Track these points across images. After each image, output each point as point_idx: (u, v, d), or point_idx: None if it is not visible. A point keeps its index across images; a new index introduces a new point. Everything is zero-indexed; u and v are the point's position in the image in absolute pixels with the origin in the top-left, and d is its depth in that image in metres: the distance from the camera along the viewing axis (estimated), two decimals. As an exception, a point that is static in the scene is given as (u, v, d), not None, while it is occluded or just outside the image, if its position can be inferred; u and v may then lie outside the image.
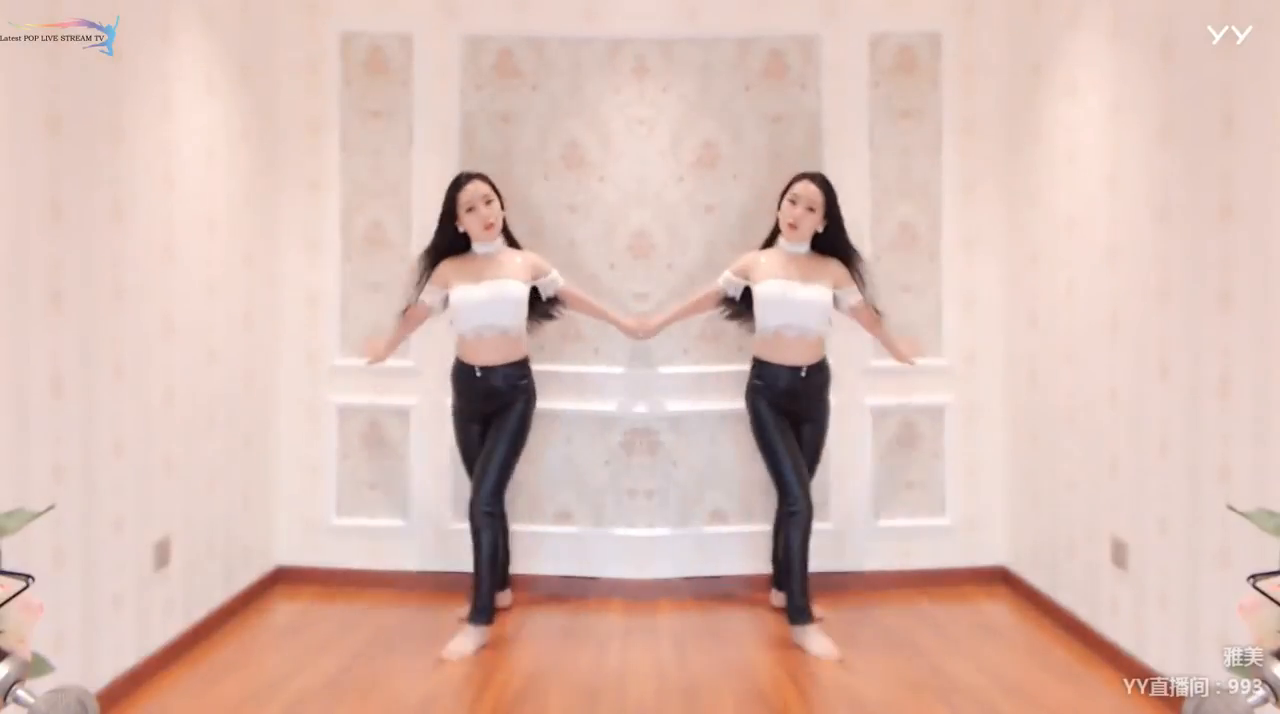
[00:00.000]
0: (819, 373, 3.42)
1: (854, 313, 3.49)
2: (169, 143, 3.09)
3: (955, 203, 3.98)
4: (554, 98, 3.95)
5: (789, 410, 3.41)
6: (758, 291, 3.38)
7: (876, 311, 3.54)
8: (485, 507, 3.28)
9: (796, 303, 3.32)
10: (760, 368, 3.43)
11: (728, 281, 3.49)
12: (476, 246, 3.40)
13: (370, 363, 3.57)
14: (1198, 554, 2.66)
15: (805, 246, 3.43)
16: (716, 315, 3.77)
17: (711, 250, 3.92)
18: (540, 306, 3.52)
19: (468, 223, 3.35)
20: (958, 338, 3.99)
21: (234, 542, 3.59)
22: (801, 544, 3.30)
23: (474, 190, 3.34)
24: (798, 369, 3.36)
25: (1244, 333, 2.46)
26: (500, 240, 3.45)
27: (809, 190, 3.36)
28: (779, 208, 3.45)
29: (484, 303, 3.30)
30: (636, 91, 3.95)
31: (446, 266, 3.40)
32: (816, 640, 3.25)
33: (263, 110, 3.81)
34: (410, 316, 3.51)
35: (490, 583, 3.30)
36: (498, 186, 3.44)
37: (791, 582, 3.31)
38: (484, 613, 3.28)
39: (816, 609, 3.42)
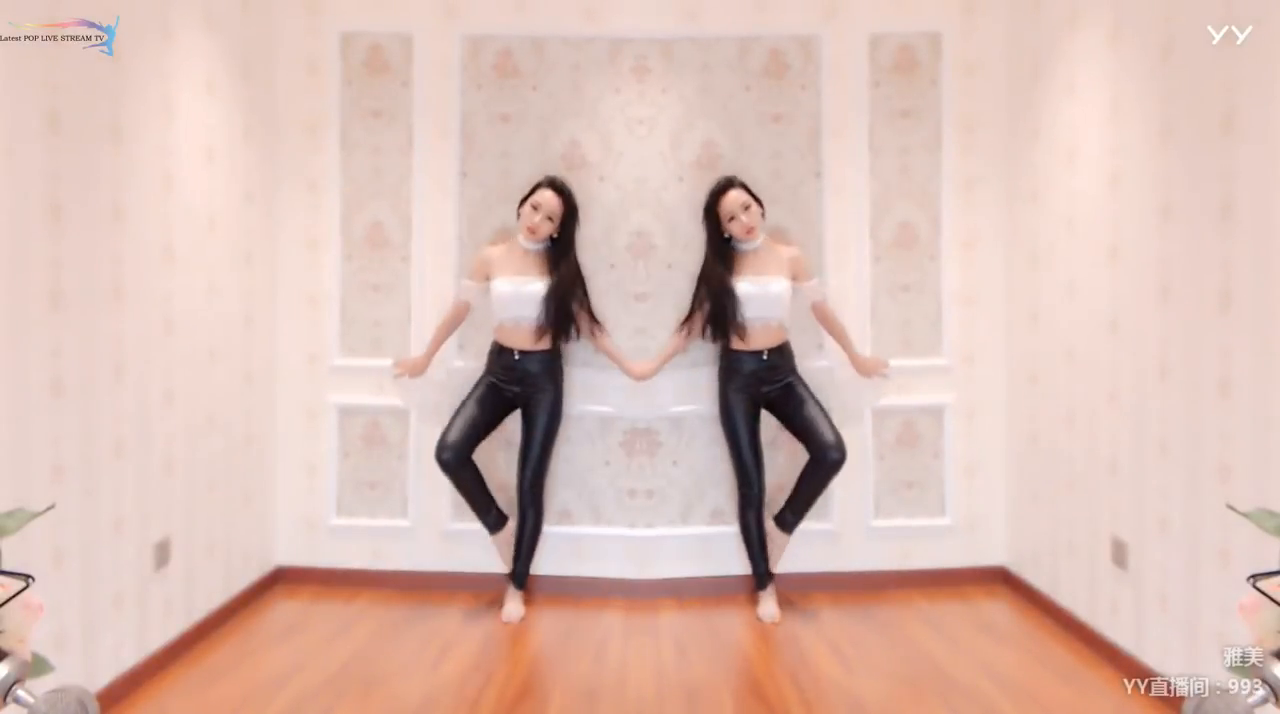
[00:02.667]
0: (779, 354, 3.63)
1: (815, 309, 3.69)
2: (169, 143, 3.09)
3: (955, 202, 3.98)
4: (554, 98, 3.95)
5: (757, 394, 3.63)
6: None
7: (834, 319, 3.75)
8: (529, 488, 3.66)
9: (759, 297, 3.56)
10: (728, 356, 3.67)
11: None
12: (522, 241, 3.65)
13: (401, 376, 3.71)
14: (1198, 554, 2.66)
15: (760, 240, 3.65)
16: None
17: (711, 250, 3.92)
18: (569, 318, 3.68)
19: (524, 215, 3.62)
20: (958, 338, 3.99)
21: (234, 542, 3.59)
22: (758, 522, 3.70)
23: (548, 201, 3.60)
24: (759, 353, 3.60)
25: (1244, 333, 2.46)
26: (545, 243, 3.68)
27: (739, 196, 3.60)
28: (714, 224, 3.64)
29: (515, 298, 3.57)
30: (636, 91, 3.95)
31: (491, 255, 3.68)
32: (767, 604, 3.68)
33: (263, 110, 3.82)
34: (452, 315, 3.72)
35: (529, 553, 3.72)
36: (565, 199, 3.66)
37: (749, 549, 3.73)
38: (522, 578, 3.71)
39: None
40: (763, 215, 3.68)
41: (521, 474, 3.65)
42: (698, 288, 3.72)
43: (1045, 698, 2.87)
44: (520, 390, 3.63)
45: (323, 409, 3.98)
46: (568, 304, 3.61)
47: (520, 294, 3.56)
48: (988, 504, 4.01)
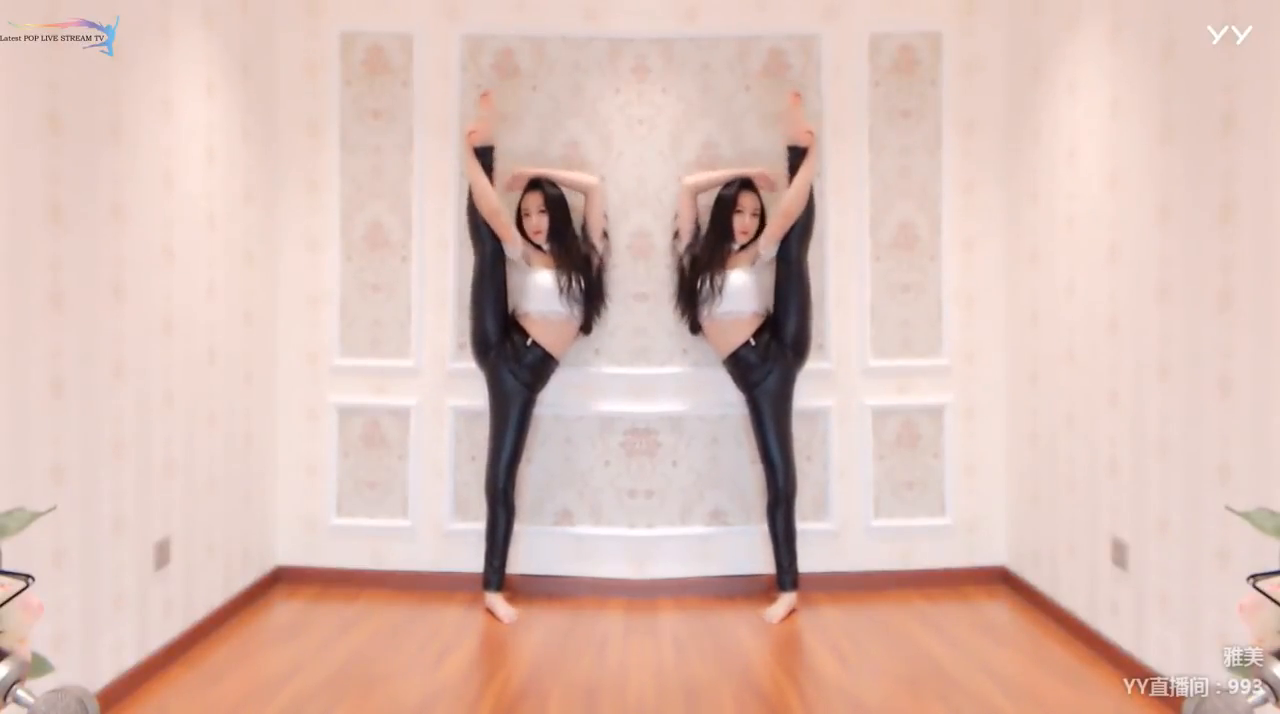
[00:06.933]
0: (750, 351, 3.64)
1: (779, 227, 3.62)
2: (169, 143, 3.09)
3: (955, 202, 3.98)
4: (554, 98, 3.95)
5: (746, 387, 3.69)
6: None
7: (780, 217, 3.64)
8: (503, 487, 3.66)
9: (727, 290, 3.61)
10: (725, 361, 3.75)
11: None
12: (541, 244, 3.74)
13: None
14: (1198, 554, 2.66)
15: (739, 244, 3.71)
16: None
17: (711, 250, 3.92)
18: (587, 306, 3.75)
19: (524, 224, 3.72)
20: (958, 338, 3.99)
21: (234, 542, 3.59)
22: (784, 519, 3.69)
23: (530, 201, 3.70)
24: (734, 350, 3.66)
25: (1244, 333, 2.46)
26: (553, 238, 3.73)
27: (755, 203, 3.70)
28: (720, 216, 3.67)
29: (548, 291, 3.63)
30: (636, 92, 3.95)
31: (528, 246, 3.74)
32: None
33: (263, 110, 3.81)
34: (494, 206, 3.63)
35: (505, 554, 3.70)
36: (550, 193, 3.71)
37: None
38: (500, 580, 3.68)
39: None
40: (760, 230, 3.70)
41: (497, 472, 3.64)
42: (689, 249, 3.76)
43: (1045, 698, 2.87)
44: (521, 385, 3.65)
45: (323, 409, 3.98)
46: (587, 278, 3.70)
47: (550, 288, 3.63)
48: (988, 504, 4.01)
